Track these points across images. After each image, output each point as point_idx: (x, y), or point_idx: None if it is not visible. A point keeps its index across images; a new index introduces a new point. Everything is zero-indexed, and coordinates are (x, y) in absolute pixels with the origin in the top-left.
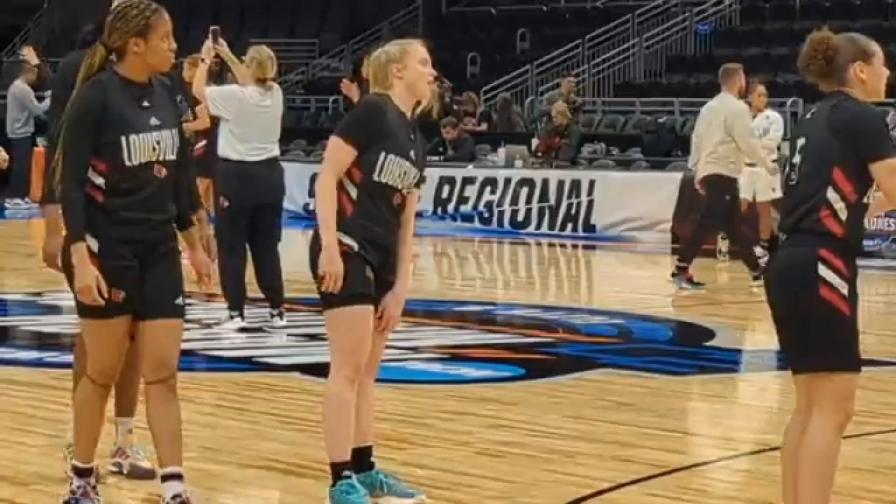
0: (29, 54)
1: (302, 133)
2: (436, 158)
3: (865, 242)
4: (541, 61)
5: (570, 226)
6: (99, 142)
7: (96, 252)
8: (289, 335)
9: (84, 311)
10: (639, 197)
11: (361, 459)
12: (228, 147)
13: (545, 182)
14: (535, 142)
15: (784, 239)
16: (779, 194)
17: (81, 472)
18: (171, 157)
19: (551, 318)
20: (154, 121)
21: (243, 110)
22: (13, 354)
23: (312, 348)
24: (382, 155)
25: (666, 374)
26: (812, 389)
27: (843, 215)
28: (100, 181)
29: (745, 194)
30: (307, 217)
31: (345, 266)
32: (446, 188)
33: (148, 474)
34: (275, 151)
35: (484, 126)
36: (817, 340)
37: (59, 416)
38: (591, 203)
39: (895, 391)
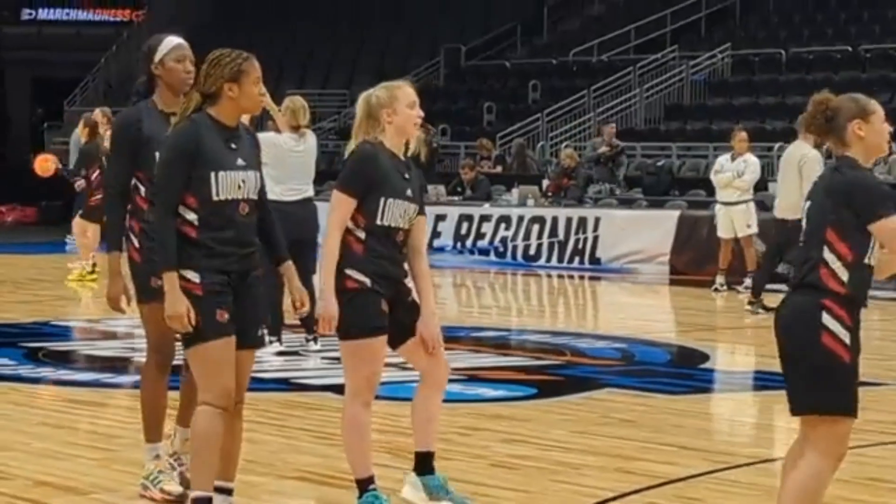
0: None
1: (334, 175)
2: (455, 198)
3: None
4: (550, 110)
5: (577, 259)
6: (190, 176)
7: (198, 282)
8: (322, 358)
9: (197, 338)
10: (640, 233)
11: (425, 463)
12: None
13: (555, 219)
14: (545, 183)
15: (791, 291)
16: (754, 230)
17: (210, 501)
18: (254, 196)
19: (560, 342)
20: (240, 161)
21: (278, 155)
22: (73, 375)
23: None
24: (381, 200)
25: (664, 393)
26: (809, 429)
27: (843, 275)
28: (192, 217)
29: (727, 233)
30: None
31: (360, 301)
32: (465, 225)
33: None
34: (309, 192)
35: (499, 168)
36: (817, 384)
37: (114, 431)
38: (596, 238)
39: (872, 409)
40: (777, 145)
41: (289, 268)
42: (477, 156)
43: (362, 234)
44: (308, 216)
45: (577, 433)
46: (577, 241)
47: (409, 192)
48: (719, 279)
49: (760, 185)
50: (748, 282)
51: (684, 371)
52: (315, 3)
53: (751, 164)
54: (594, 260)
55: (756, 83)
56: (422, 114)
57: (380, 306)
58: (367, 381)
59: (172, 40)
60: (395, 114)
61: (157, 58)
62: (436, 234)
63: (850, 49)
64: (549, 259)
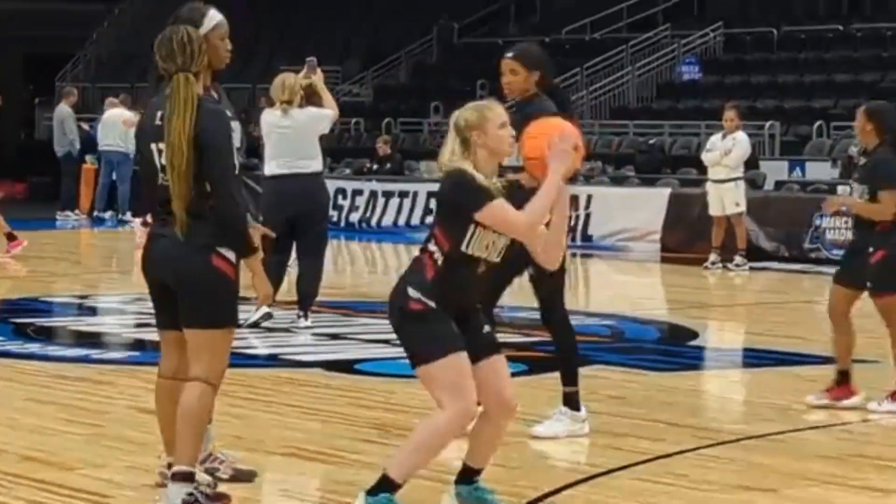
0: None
1: (326, 152)
2: None
3: (838, 251)
4: None
5: (569, 236)
6: None
7: (234, 263)
8: (313, 334)
9: (223, 322)
10: (631, 210)
11: (470, 474)
12: (264, 164)
13: None
14: None
15: None
16: (743, 208)
17: (193, 476)
18: None
19: None
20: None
21: (266, 131)
22: (61, 351)
23: (334, 346)
24: (471, 228)
25: (653, 370)
26: None
27: None
28: None
29: (718, 211)
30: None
31: (425, 325)
32: None
33: (251, 476)
34: (303, 168)
35: None
36: None
37: (102, 407)
38: (588, 216)
39: (863, 386)
40: (768, 123)
41: None
42: None
43: (440, 258)
44: (299, 192)
45: None
46: (568, 218)
47: None
48: (712, 257)
49: (752, 164)
50: (738, 260)
51: (673, 348)
52: None
53: (739, 142)
54: (586, 237)
55: (748, 62)
56: (514, 133)
57: (451, 326)
58: (465, 396)
59: (216, 15)
60: (486, 135)
61: (202, 31)
62: (428, 210)
63: (841, 28)
64: None
